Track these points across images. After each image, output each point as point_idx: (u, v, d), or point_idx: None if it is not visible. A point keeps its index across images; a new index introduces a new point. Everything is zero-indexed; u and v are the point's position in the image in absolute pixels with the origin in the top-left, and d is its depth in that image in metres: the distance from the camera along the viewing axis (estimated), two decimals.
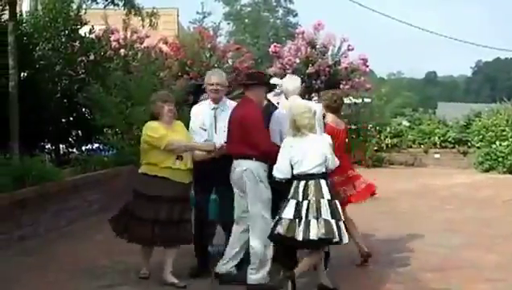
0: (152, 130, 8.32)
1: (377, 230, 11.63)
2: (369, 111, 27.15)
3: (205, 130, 8.57)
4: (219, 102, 8.72)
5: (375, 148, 26.16)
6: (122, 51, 19.25)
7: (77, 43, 16.69)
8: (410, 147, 27.10)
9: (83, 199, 12.83)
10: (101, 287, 8.25)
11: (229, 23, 69.99)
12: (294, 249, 8.37)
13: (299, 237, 7.58)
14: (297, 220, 7.65)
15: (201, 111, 8.75)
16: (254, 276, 8.15)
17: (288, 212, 7.72)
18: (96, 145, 16.94)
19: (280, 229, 7.67)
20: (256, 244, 8.13)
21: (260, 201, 8.12)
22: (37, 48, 15.81)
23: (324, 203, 7.71)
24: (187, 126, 8.84)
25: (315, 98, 16.82)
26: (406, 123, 29.44)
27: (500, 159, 23.33)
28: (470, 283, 8.47)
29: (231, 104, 8.81)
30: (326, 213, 7.64)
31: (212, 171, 8.40)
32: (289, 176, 7.94)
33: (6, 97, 12.85)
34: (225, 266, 8.42)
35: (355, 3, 31.84)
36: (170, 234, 8.23)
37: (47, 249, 10.36)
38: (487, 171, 23.59)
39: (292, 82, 9.20)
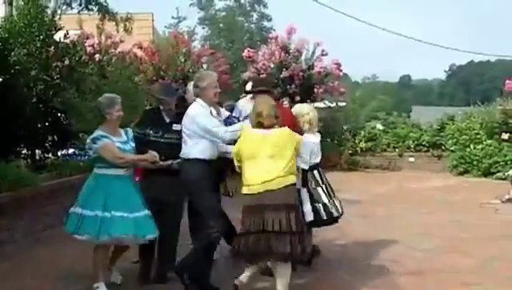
0: None
1: (353, 234, 11.68)
2: (344, 115, 27.27)
3: None
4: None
5: (350, 152, 26.27)
6: (97, 56, 19.17)
7: (52, 49, 16.56)
8: (385, 150, 27.27)
9: (59, 204, 12.75)
10: None
11: (203, 28, 69.98)
12: None
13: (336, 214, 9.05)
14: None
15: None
16: None
17: (324, 197, 8.94)
18: (71, 150, 16.85)
19: (336, 213, 9.00)
20: None
21: None
22: (12, 53, 15.70)
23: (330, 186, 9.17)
24: None
25: (286, 102, 16.82)
26: (380, 127, 29.64)
27: (474, 163, 23.49)
28: (446, 287, 8.56)
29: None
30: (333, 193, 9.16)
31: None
32: None
33: None
34: None
35: (326, 7, 31.85)
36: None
37: (23, 254, 10.35)
38: (461, 174, 23.77)
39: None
